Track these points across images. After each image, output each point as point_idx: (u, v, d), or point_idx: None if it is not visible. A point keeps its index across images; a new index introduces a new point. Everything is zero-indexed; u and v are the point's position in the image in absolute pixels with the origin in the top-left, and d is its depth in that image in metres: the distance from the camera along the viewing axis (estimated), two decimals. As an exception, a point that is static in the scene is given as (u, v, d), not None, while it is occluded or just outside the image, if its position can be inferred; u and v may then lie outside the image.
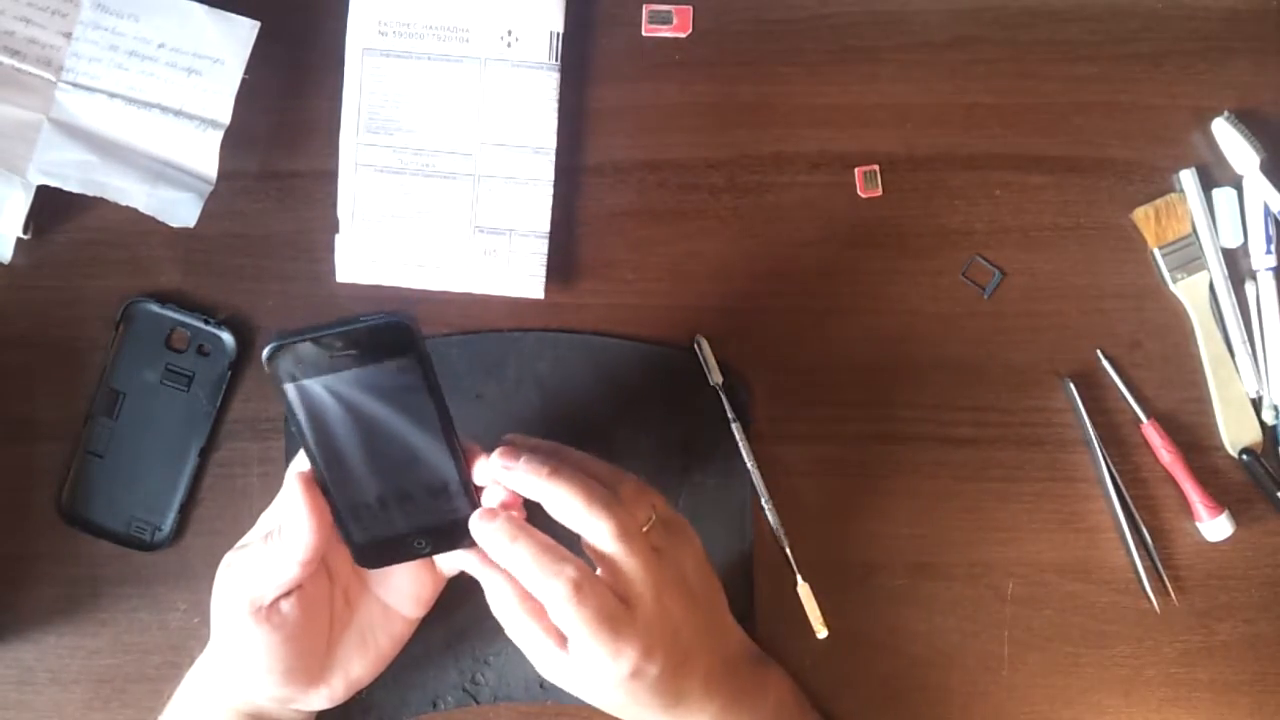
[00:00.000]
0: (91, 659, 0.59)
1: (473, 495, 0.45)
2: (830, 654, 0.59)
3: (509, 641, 0.58)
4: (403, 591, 0.50)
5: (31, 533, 0.58)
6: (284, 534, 0.44)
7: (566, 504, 0.44)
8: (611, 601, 0.43)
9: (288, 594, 0.45)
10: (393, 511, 0.45)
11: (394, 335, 0.41)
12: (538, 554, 0.43)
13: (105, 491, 0.58)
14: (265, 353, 0.41)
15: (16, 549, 0.58)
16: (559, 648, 0.44)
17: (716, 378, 0.59)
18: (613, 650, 0.43)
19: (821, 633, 0.59)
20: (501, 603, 0.46)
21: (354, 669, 0.49)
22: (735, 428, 0.59)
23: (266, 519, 0.48)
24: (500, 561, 0.44)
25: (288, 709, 0.50)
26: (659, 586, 0.44)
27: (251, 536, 0.48)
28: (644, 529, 0.45)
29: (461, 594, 0.58)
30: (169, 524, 0.58)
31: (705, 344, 0.59)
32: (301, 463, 0.46)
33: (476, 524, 0.45)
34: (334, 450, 0.43)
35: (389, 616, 0.50)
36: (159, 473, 0.58)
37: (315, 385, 0.41)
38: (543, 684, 0.58)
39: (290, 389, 0.41)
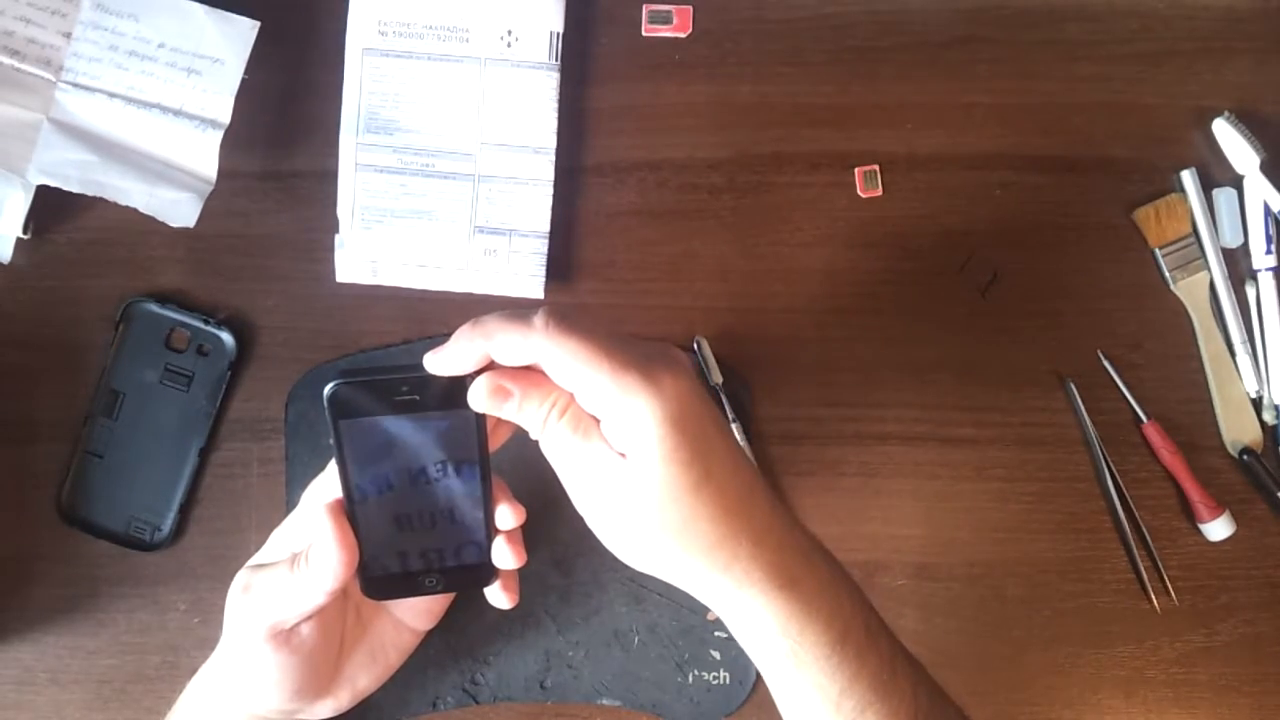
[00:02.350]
0: (91, 659, 0.58)
1: (492, 542, 0.45)
2: (830, 654, 0.59)
3: (509, 641, 0.58)
4: (416, 606, 0.51)
5: (31, 533, 0.58)
6: (312, 563, 0.43)
7: (494, 320, 0.40)
8: (602, 339, 0.38)
9: (308, 618, 0.45)
10: (412, 549, 0.44)
11: (459, 385, 0.41)
12: (503, 318, 0.39)
13: (105, 491, 0.58)
14: (327, 390, 0.40)
15: (16, 549, 0.58)
16: (618, 455, 0.39)
17: (716, 378, 0.59)
18: (648, 379, 0.38)
19: (821, 633, 0.59)
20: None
21: (361, 681, 0.49)
22: (735, 428, 0.59)
23: (280, 538, 0.48)
24: (487, 345, 0.39)
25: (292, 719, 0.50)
26: (626, 338, 0.40)
27: (266, 556, 0.48)
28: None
29: (461, 594, 0.58)
30: (169, 524, 0.58)
31: (705, 344, 0.59)
32: (322, 489, 0.46)
33: (443, 349, 0.40)
34: (369, 486, 0.43)
35: (399, 630, 0.51)
36: (159, 473, 0.58)
37: (367, 424, 0.41)
38: (543, 684, 0.58)
39: (343, 424, 0.41)
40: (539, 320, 0.38)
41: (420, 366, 0.41)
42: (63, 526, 0.58)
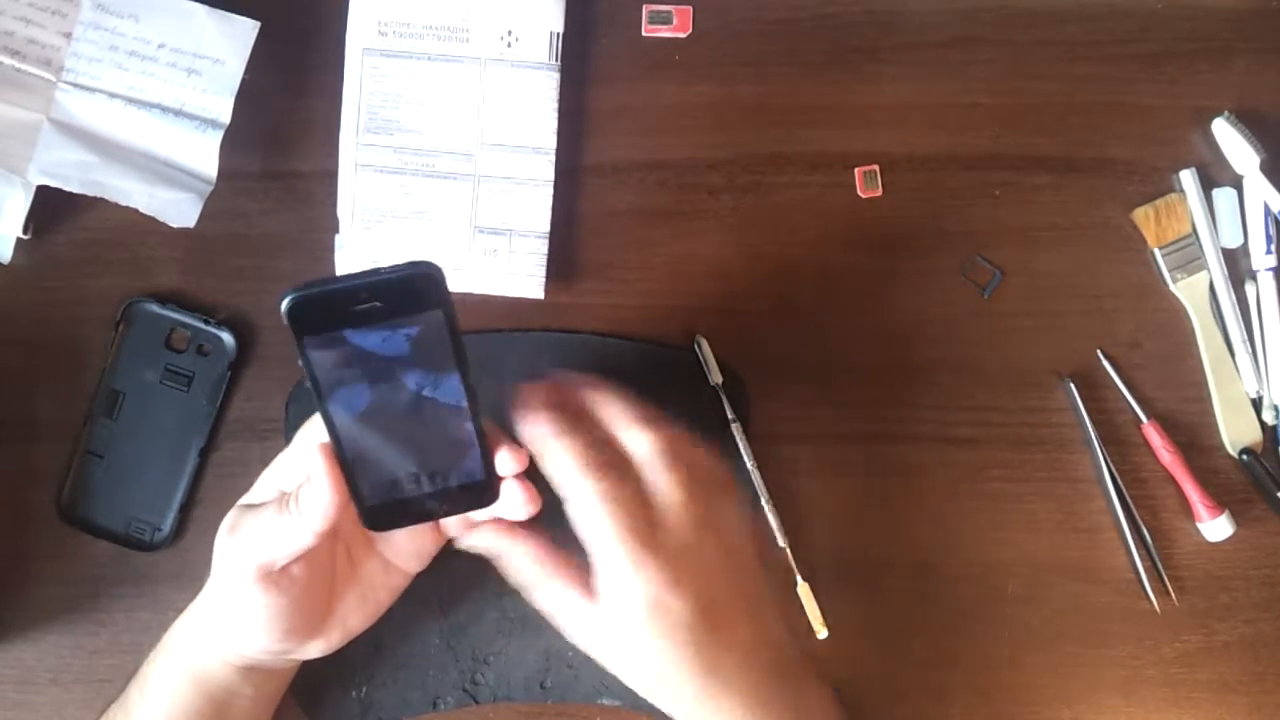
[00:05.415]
0: (92, 659, 0.59)
1: (490, 460, 0.44)
2: (830, 654, 0.59)
3: (509, 641, 0.58)
4: (405, 549, 0.50)
5: (31, 533, 0.58)
6: (301, 504, 0.43)
7: (611, 410, 0.44)
8: (642, 516, 0.43)
9: (297, 559, 0.45)
10: (406, 473, 0.43)
11: (420, 286, 0.39)
12: (584, 449, 0.43)
13: (105, 491, 0.58)
14: (284, 304, 0.39)
15: (16, 549, 0.58)
16: (585, 598, 0.44)
17: (716, 378, 0.59)
18: (636, 564, 0.42)
19: (821, 633, 0.59)
20: (524, 565, 0.45)
21: (351, 622, 0.49)
22: (735, 428, 0.59)
23: (270, 477, 0.48)
24: (544, 453, 0.44)
25: (281, 659, 0.50)
26: (692, 520, 0.43)
27: (255, 496, 0.48)
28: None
29: (461, 592, 0.58)
30: (169, 524, 0.58)
31: (705, 344, 0.59)
32: (316, 430, 0.45)
33: (525, 422, 0.43)
34: (349, 410, 0.41)
35: (390, 572, 0.50)
36: (159, 473, 0.58)
37: (333, 340, 0.40)
38: (543, 684, 0.58)
39: (307, 343, 0.40)
40: (591, 479, 0.42)
41: (380, 270, 0.39)
42: (63, 526, 0.58)
